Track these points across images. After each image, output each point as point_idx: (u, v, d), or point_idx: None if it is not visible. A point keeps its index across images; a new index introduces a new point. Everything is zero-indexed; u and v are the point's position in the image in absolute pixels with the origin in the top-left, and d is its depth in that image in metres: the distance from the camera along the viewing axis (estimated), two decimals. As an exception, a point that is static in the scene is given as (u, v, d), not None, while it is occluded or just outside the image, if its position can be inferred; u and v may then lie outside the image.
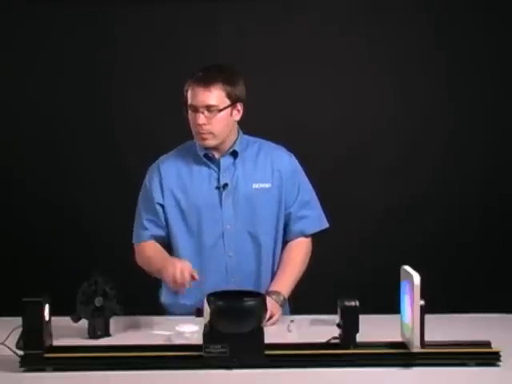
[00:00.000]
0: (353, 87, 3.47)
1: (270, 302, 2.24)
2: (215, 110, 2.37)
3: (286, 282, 2.46)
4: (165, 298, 2.52)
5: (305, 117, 3.44)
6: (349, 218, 3.47)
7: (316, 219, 2.56)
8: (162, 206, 2.47)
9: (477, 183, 3.46)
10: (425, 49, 3.45)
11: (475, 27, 3.43)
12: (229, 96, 2.39)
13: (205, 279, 2.34)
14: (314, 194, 2.58)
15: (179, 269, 2.24)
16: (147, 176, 2.53)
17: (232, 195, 2.45)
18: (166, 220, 2.48)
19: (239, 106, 2.44)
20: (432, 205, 3.48)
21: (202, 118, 2.36)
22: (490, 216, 3.47)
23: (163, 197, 2.47)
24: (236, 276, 2.43)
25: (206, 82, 2.37)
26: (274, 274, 2.50)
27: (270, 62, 3.41)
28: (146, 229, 2.48)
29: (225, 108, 2.39)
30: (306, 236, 2.56)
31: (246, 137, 2.54)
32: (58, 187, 3.49)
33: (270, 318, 2.25)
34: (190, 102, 2.39)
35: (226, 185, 2.44)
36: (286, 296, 2.43)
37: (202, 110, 2.36)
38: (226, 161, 2.46)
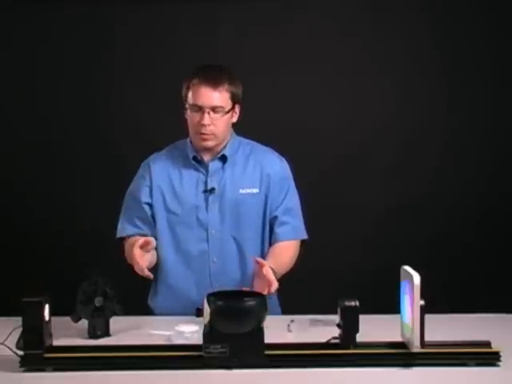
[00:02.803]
0: (353, 87, 3.47)
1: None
2: (221, 112, 2.35)
3: (277, 266, 2.33)
4: (150, 300, 2.52)
5: (305, 117, 3.44)
6: (349, 218, 3.47)
7: (295, 228, 2.49)
8: (150, 205, 2.45)
9: (477, 183, 3.46)
10: (425, 49, 3.45)
11: (475, 27, 3.43)
12: (232, 97, 2.38)
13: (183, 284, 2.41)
14: (298, 203, 2.53)
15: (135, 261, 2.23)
16: (138, 173, 2.51)
17: (219, 200, 2.43)
18: (154, 219, 2.46)
19: (237, 109, 2.43)
20: (432, 205, 3.48)
21: (207, 118, 2.33)
22: (489, 216, 3.47)
23: (152, 196, 2.45)
24: (220, 281, 2.38)
25: (214, 82, 2.34)
26: None
27: (270, 62, 3.41)
28: (138, 227, 2.45)
29: (229, 110, 2.37)
30: (290, 240, 2.49)
31: (239, 138, 2.52)
32: (57, 187, 3.49)
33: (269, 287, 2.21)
34: (193, 101, 2.35)
35: (213, 189, 2.42)
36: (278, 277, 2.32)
37: (207, 110, 2.33)
38: (214, 165, 2.44)
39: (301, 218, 2.53)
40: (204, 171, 2.45)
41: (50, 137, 3.49)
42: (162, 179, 2.46)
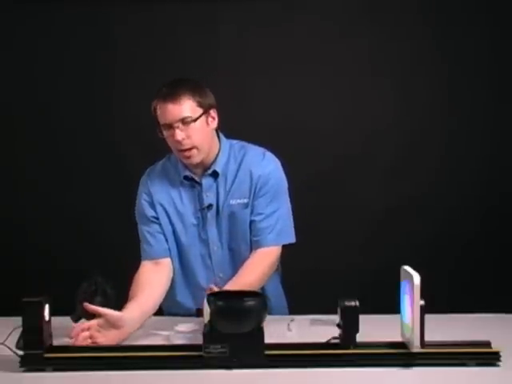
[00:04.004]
0: (353, 87, 3.46)
1: None
2: (190, 121, 2.28)
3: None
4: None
5: (305, 117, 3.44)
6: (349, 218, 3.47)
7: (278, 233, 2.41)
8: (158, 219, 2.43)
9: (477, 184, 3.46)
10: (425, 50, 3.44)
11: (476, 28, 3.42)
12: (200, 105, 2.31)
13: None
14: (285, 206, 2.45)
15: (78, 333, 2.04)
16: (140, 190, 2.48)
17: (215, 215, 2.40)
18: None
19: (213, 113, 2.36)
20: (432, 205, 3.48)
21: (179, 134, 2.28)
22: (490, 216, 3.47)
23: (156, 212, 2.42)
24: None
25: (174, 96, 2.28)
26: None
27: (270, 61, 3.41)
28: (150, 244, 2.41)
29: (199, 117, 2.30)
30: (270, 246, 2.41)
31: (230, 143, 2.46)
32: (57, 187, 3.49)
33: None
34: (162, 121, 2.31)
35: (210, 205, 2.40)
36: None
37: (176, 125, 2.28)
38: (207, 182, 2.41)
39: (287, 221, 2.45)
40: (199, 188, 2.42)
41: (50, 136, 3.49)
42: (163, 198, 2.43)
